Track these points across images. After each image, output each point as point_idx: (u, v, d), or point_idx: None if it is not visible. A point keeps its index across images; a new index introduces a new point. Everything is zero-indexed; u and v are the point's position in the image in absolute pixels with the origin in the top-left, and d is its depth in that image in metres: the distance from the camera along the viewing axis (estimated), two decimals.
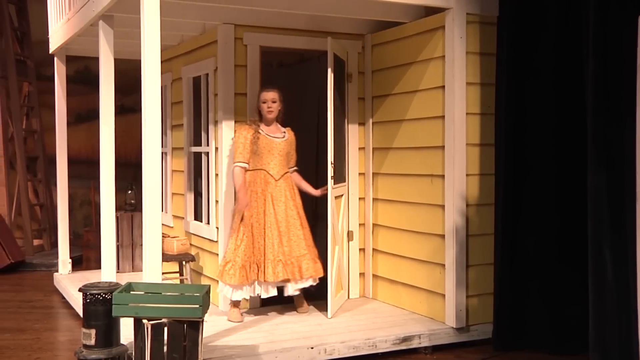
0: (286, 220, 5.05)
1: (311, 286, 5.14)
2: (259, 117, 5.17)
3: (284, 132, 5.21)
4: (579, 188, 4.33)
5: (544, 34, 4.55)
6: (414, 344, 4.72)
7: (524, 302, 4.68)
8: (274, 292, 5.07)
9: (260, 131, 5.08)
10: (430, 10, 5.03)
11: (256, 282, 5.03)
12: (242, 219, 5.02)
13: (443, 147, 4.93)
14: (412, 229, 5.27)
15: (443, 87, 4.93)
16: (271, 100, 5.10)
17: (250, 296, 5.11)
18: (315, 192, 5.32)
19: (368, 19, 5.49)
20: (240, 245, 4.98)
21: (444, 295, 4.92)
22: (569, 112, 4.48)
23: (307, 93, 5.80)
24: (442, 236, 4.94)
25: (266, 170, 5.07)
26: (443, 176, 4.93)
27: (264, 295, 5.08)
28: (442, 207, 4.94)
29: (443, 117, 4.93)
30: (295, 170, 5.33)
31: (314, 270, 5.08)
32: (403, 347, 4.68)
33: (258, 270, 4.99)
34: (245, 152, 5.05)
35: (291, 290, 5.07)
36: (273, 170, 5.09)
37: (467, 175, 4.88)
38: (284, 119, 5.30)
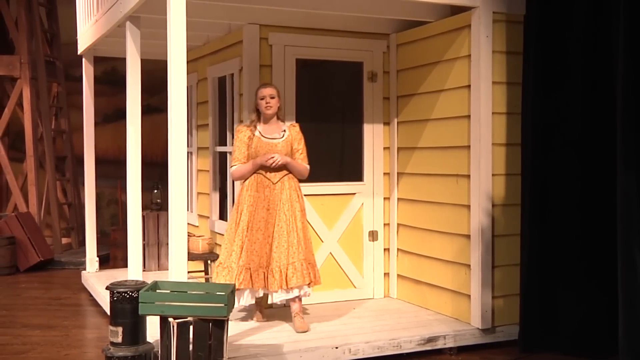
0: (278, 224, 4.73)
1: (298, 296, 4.77)
2: (257, 116, 4.89)
3: (284, 131, 4.88)
4: (607, 189, 4.26)
5: (572, 32, 4.48)
6: (439, 344, 4.69)
7: (551, 303, 4.62)
8: (247, 302, 4.82)
9: (256, 133, 4.83)
10: (456, 9, 4.99)
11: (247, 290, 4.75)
12: (238, 224, 4.77)
13: (469, 146, 4.90)
14: (438, 229, 5.24)
15: (469, 86, 4.89)
16: (269, 96, 4.82)
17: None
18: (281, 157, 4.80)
19: (393, 18, 5.47)
20: (235, 250, 4.72)
21: (469, 296, 4.89)
22: (597, 112, 4.41)
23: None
24: (468, 236, 4.91)
25: (262, 173, 4.79)
26: (469, 176, 4.90)
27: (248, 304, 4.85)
28: (468, 207, 4.90)
29: (469, 116, 4.89)
30: (307, 170, 4.93)
31: (302, 279, 4.68)
32: (428, 347, 4.65)
33: (263, 278, 4.74)
34: (242, 155, 4.82)
35: (277, 299, 4.76)
36: (269, 172, 4.78)
37: (493, 175, 4.84)
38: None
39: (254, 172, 4.82)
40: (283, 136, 4.86)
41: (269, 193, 4.79)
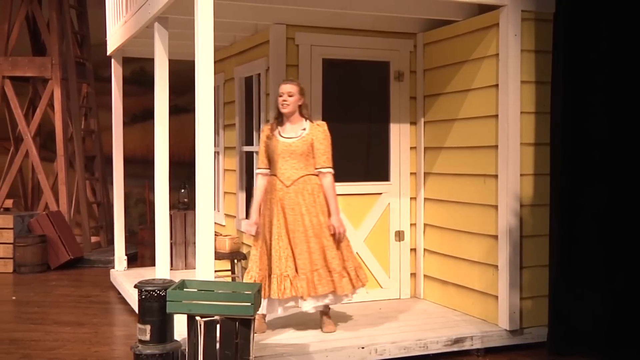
0: (297, 230, 4.53)
1: (327, 305, 4.69)
2: (280, 114, 4.70)
3: (303, 129, 4.63)
4: (638, 189, 4.19)
5: (603, 30, 4.42)
6: (466, 345, 4.66)
7: (580, 305, 4.56)
8: (280, 312, 4.64)
9: (274, 132, 4.66)
10: (484, 8, 4.95)
11: (265, 300, 4.56)
12: (260, 230, 4.67)
13: (496, 146, 4.85)
14: (465, 230, 5.20)
15: (497, 85, 4.85)
16: (287, 94, 4.59)
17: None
18: (331, 221, 4.55)
19: (420, 17, 5.44)
20: (256, 255, 4.63)
21: (497, 297, 4.85)
22: (628, 111, 4.34)
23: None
24: (496, 237, 4.86)
25: (276, 175, 4.62)
26: (496, 176, 4.86)
27: (268, 314, 4.66)
28: (496, 207, 4.86)
29: (496, 116, 4.85)
30: (329, 173, 4.62)
31: (331, 286, 4.55)
32: (455, 348, 4.63)
33: (265, 286, 4.55)
34: (263, 157, 4.70)
35: (307, 307, 4.56)
36: (283, 175, 4.57)
37: (521, 175, 4.79)
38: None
39: (272, 175, 4.67)
40: (300, 135, 4.61)
41: (283, 196, 4.58)
